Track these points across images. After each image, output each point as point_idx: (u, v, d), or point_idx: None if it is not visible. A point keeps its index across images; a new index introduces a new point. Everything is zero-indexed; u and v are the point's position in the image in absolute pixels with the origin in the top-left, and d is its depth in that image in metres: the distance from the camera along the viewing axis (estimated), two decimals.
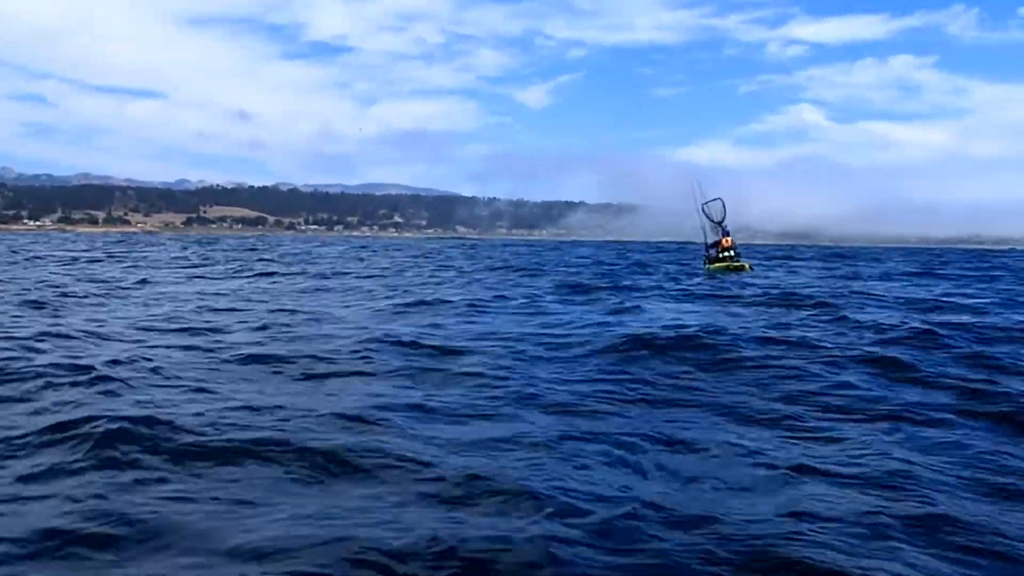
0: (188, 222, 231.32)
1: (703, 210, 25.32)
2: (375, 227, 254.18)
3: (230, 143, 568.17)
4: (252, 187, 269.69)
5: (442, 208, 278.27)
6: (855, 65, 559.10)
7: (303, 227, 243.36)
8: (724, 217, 25.19)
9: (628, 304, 13.92)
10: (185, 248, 51.77)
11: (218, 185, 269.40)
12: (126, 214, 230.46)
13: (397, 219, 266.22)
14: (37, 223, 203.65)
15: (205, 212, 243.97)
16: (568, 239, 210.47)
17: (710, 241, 25.05)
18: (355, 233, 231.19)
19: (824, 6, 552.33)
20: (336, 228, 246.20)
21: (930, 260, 47.57)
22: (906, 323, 11.00)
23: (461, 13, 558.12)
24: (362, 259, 38.70)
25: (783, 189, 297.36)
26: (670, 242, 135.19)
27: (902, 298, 16.26)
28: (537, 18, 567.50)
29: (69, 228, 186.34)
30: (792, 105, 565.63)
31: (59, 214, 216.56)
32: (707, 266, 24.34)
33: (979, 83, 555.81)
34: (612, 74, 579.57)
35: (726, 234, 24.30)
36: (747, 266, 23.96)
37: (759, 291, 17.21)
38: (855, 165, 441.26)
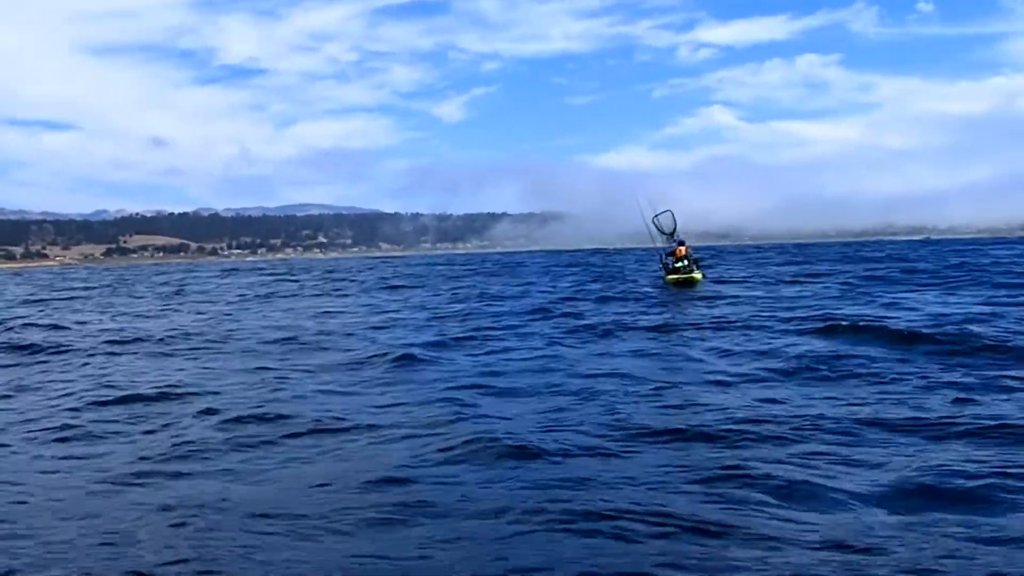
0: (108, 253, 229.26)
1: (654, 223, 25.59)
2: (299, 248, 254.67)
3: (147, 171, 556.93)
4: (172, 214, 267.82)
5: (365, 226, 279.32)
6: (763, 66, 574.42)
7: (226, 252, 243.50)
8: (675, 228, 25.50)
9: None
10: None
11: (137, 214, 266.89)
12: (44, 248, 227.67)
13: (321, 239, 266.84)
14: None
15: (125, 242, 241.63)
16: (493, 250, 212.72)
17: (662, 246, 25.72)
18: (279, 255, 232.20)
19: (730, 9, 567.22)
20: (259, 251, 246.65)
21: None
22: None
23: (373, 30, 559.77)
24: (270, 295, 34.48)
25: (702, 190, 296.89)
26: (598, 249, 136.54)
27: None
28: (449, 32, 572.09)
29: None
30: (705, 107, 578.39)
31: None
32: (665, 276, 24.61)
33: (883, 78, 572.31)
34: (527, 85, 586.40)
35: (681, 243, 24.45)
36: (699, 277, 24.20)
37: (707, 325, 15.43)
38: (770, 163, 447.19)
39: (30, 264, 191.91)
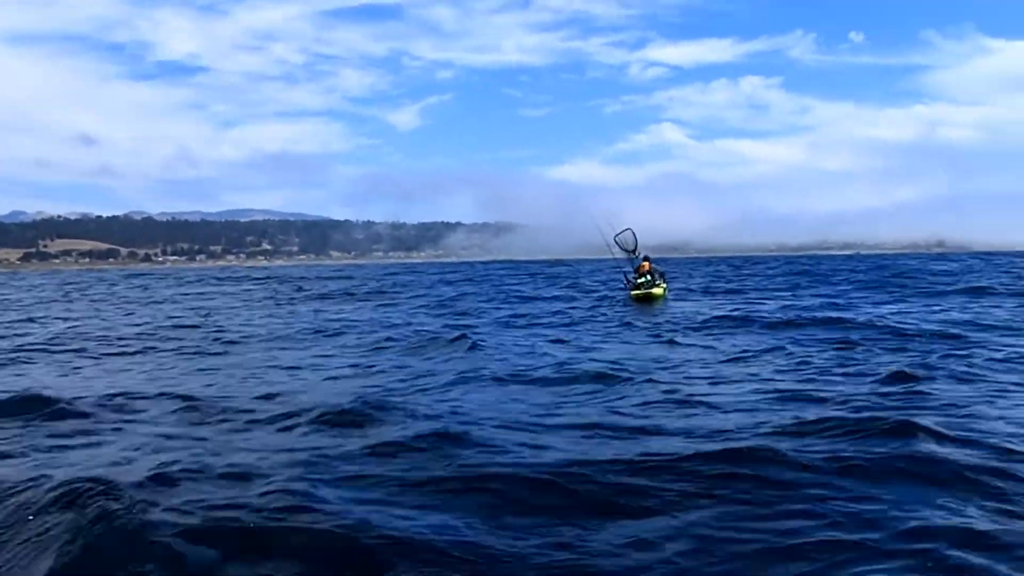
0: (26, 258, 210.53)
1: (616, 242, 26.58)
2: (242, 255, 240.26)
3: (72, 171, 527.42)
4: (100, 217, 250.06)
5: (315, 233, 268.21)
6: (709, 86, 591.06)
7: (160, 258, 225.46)
8: (636, 246, 26.47)
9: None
10: None
11: (60, 216, 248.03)
12: None
13: (266, 246, 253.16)
14: None
15: (46, 246, 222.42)
16: (447, 260, 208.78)
17: (622, 260, 26.60)
18: (220, 262, 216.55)
19: (678, 30, 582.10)
20: (198, 258, 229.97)
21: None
22: None
23: (322, 33, 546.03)
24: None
25: (653, 205, 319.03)
26: (553, 260, 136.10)
27: None
28: (402, 39, 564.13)
29: None
30: (655, 124, 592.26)
31: None
32: (629, 291, 25.38)
33: (820, 102, 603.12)
34: (481, 95, 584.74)
35: (645, 259, 25.25)
36: (661, 292, 24.70)
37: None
38: (717, 180, 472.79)
39: None
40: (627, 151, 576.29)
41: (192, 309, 23.71)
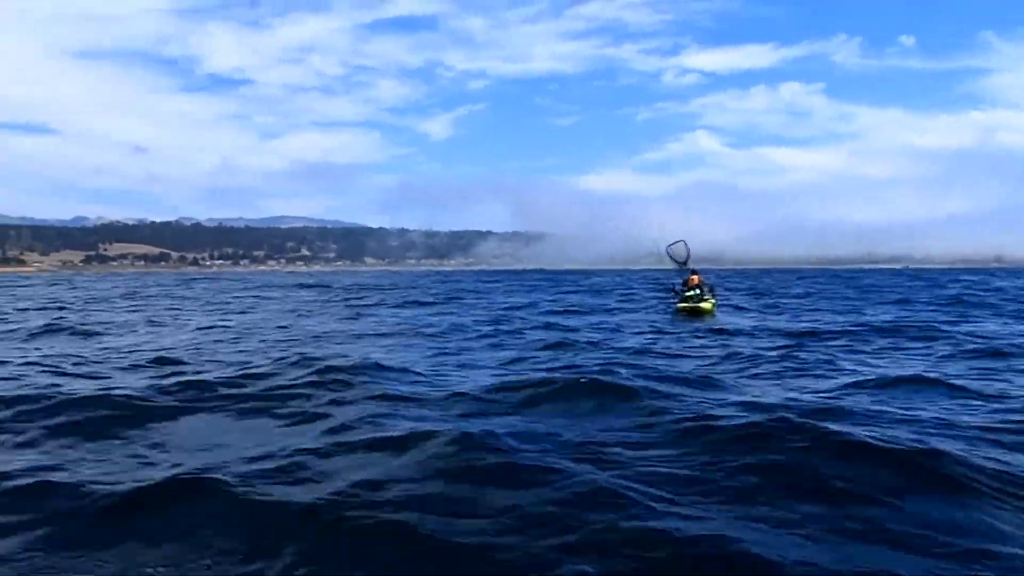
0: (88, 260, 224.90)
1: (668, 253, 26.30)
2: (282, 260, 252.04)
3: (128, 178, 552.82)
4: (154, 222, 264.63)
5: (351, 240, 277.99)
6: (747, 92, 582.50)
7: (207, 262, 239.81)
8: (688, 258, 26.00)
9: None
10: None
11: (118, 221, 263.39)
12: (21, 254, 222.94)
13: (304, 252, 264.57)
14: None
15: (105, 249, 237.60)
16: (477, 268, 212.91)
17: (675, 271, 26.38)
18: (262, 267, 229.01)
19: (715, 36, 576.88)
20: (242, 262, 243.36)
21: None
22: None
23: (359, 45, 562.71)
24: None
25: (684, 214, 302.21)
26: (587, 270, 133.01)
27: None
28: (437, 50, 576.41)
29: None
30: (689, 132, 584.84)
31: None
32: (676, 304, 24.61)
33: (864, 108, 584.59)
34: (512, 104, 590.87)
35: (694, 272, 24.74)
36: (708, 307, 23.62)
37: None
38: (752, 189, 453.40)
39: (6, 270, 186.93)
40: (659, 159, 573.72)
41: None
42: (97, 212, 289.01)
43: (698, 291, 23.79)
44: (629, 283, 54.97)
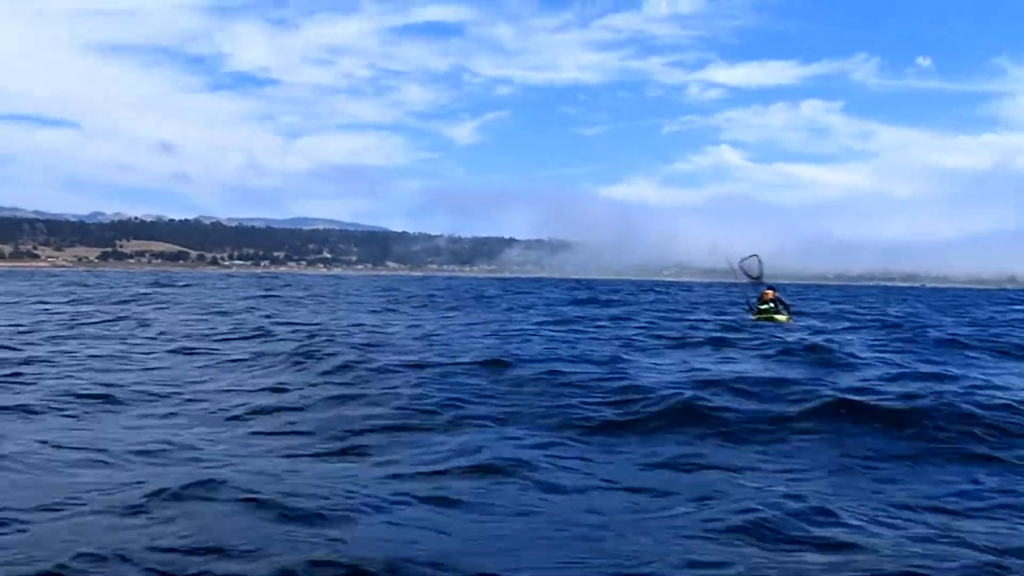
0: (103, 256, 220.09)
1: (740, 268, 26.38)
2: (303, 263, 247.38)
3: (148, 175, 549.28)
4: (172, 220, 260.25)
5: (374, 243, 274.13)
6: (769, 108, 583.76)
7: (227, 262, 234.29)
8: (761, 273, 26.06)
9: None
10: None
11: (135, 218, 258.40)
12: (35, 248, 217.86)
13: (326, 254, 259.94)
14: None
15: (122, 246, 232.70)
16: (501, 275, 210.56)
17: (748, 299, 26.19)
18: (282, 268, 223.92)
19: (738, 52, 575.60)
20: (262, 263, 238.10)
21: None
22: None
23: (388, 48, 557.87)
24: None
25: (709, 227, 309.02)
26: (611, 280, 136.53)
27: None
28: (464, 55, 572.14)
29: None
30: (713, 146, 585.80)
31: None
32: (750, 316, 24.86)
33: (884, 127, 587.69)
34: (538, 112, 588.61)
35: (770, 288, 24.76)
36: (783, 318, 23.82)
37: None
38: (775, 204, 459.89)
39: (20, 264, 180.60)
40: (684, 171, 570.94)
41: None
42: (114, 208, 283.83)
43: (772, 305, 23.74)
44: (711, 296, 53.63)
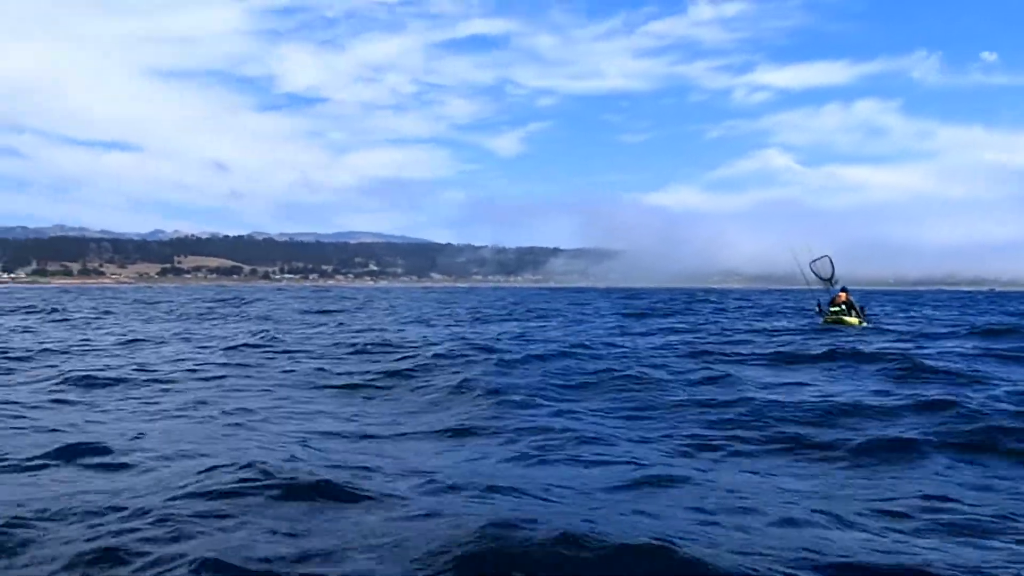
0: (163, 273, 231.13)
1: (812, 270, 25.44)
2: (350, 275, 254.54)
3: (203, 193, 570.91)
4: (227, 237, 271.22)
5: (419, 255, 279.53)
6: (821, 110, 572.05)
7: (278, 276, 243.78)
8: (833, 273, 25.04)
9: None
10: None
11: (192, 235, 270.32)
12: (101, 265, 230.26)
13: (372, 267, 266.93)
14: (11, 275, 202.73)
15: (180, 262, 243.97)
16: (547, 285, 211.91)
17: (821, 295, 25.51)
18: (330, 282, 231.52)
19: (787, 53, 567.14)
20: (311, 277, 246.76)
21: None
22: None
23: (432, 63, 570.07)
24: None
25: (757, 233, 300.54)
26: (665, 288, 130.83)
27: None
28: (507, 67, 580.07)
29: (43, 281, 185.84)
30: (760, 150, 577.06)
31: (33, 266, 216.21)
32: (822, 319, 24.34)
33: (944, 126, 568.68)
34: (581, 121, 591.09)
35: (843, 290, 24.05)
36: (854, 321, 23.33)
37: None
38: (826, 208, 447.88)
39: (87, 281, 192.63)
40: (729, 177, 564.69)
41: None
42: (173, 226, 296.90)
43: (842, 307, 23.42)
44: (787, 301, 50.89)
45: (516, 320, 29.07)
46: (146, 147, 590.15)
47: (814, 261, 25.36)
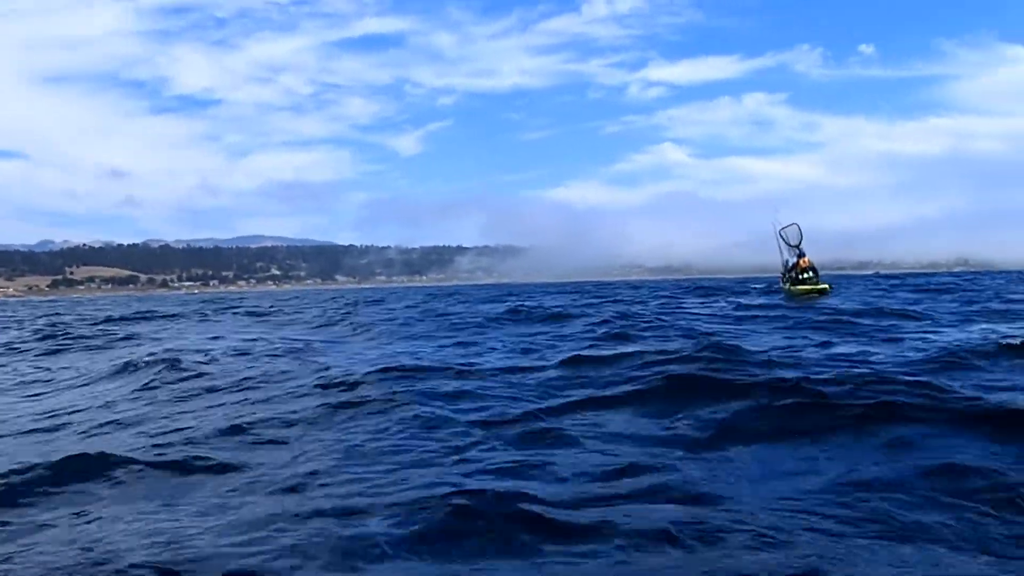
0: (54, 284, 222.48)
1: (780, 235, 26.55)
2: (252, 280, 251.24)
3: (95, 201, 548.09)
4: (121, 245, 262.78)
5: (323, 258, 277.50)
6: (712, 104, 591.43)
7: (176, 284, 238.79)
8: (801, 240, 26.06)
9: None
10: None
11: (84, 245, 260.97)
12: None
13: (275, 271, 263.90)
14: None
15: (72, 273, 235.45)
16: (451, 283, 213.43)
17: (787, 260, 26.37)
18: (231, 288, 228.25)
19: (679, 49, 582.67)
20: (211, 283, 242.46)
21: None
22: None
23: (327, 63, 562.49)
24: None
25: (656, 225, 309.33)
26: (571, 282, 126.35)
27: None
28: (404, 66, 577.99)
29: None
30: (655, 144, 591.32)
31: None
32: (788, 287, 24.70)
33: (828, 117, 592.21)
34: (481, 119, 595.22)
35: (802, 255, 25.00)
36: (828, 287, 24.28)
37: None
38: (722, 199, 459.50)
39: None
40: (627, 171, 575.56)
41: None
42: (63, 236, 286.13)
43: (810, 273, 24.29)
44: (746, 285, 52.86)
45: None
46: (32, 155, 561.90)
47: (784, 228, 26.63)
